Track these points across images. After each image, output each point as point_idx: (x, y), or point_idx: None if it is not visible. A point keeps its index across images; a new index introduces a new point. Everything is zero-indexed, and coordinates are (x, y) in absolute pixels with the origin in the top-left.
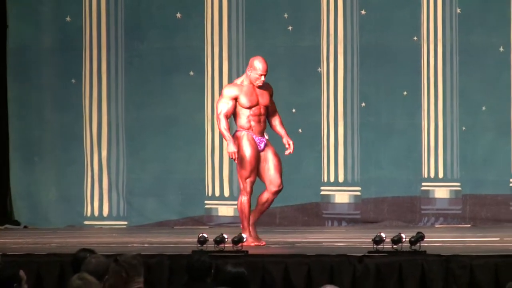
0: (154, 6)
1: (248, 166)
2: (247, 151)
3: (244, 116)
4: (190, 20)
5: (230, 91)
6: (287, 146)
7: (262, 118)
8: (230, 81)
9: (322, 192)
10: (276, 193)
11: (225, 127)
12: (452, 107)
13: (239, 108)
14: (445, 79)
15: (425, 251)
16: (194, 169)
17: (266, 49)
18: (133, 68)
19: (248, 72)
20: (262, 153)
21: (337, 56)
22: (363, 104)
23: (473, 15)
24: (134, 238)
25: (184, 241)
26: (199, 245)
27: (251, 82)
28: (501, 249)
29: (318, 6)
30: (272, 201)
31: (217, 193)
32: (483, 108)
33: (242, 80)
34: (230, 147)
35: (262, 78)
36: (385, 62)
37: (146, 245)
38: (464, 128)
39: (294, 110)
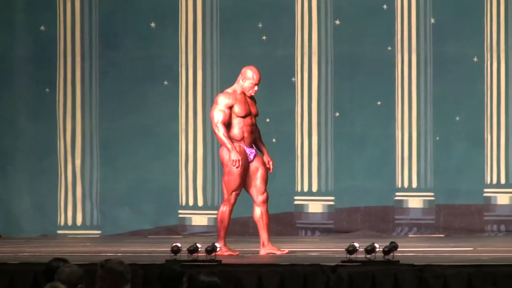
0: (129, 15)
1: (237, 180)
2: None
3: (237, 126)
4: (165, 30)
5: (226, 100)
6: (267, 165)
7: (253, 128)
8: (204, 90)
9: (296, 202)
10: (264, 202)
11: (226, 135)
12: (426, 117)
13: (232, 117)
14: (419, 89)
15: (398, 261)
16: (168, 179)
17: (240, 58)
18: (108, 77)
19: (241, 81)
20: (250, 164)
21: (312, 66)
22: (337, 114)
23: (447, 25)
24: (107, 247)
25: (157, 250)
26: (172, 254)
27: (242, 92)
28: (474, 259)
29: (292, 16)
30: (267, 210)
31: (190, 203)
32: (457, 118)
33: (234, 89)
34: (234, 155)
35: (256, 87)
36: (359, 72)
37: (119, 254)
38: (438, 138)
39: (268, 120)
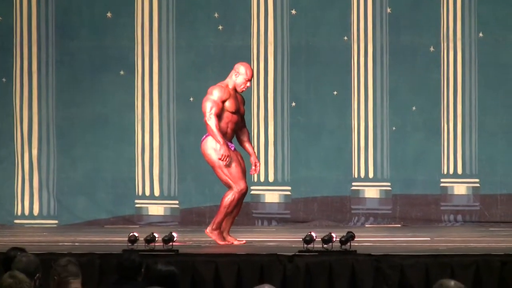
0: (85, 5)
1: (237, 167)
2: (233, 156)
3: (224, 121)
4: (121, 19)
5: (221, 93)
6: (253, 166)
7: (237, 127)
8: (160, 80)
9: (252, 192)
10: (244, 194)
11: (218, 127)
12: (382, 107)
13: (222, 112)
14: (375, 79)
15: (355, 251)
16: (125, 168)
17: (196, 48)
18: (64, 66)
19: (234, 77)
20: None
21: (268, 55)
22: (293, 104)
23: (404, 15)
24: (64, 237)
25: (114, 240)
26: (129, 244)
27: (234, 88)
28: (431, 249)
29: (248, 5)
30: (242, 203)
31: (147, 192)
32: (413, 108)
33: (226, 84)
34: (224, 150)
35: (248, 83)
36: (315, 62)
37: (76, 244)
38: (394, 128)
39: None
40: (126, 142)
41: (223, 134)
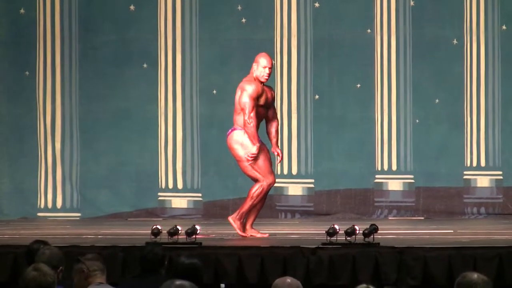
0: None
1: (266, 160)
2: (260, 150)
3: (255, 117)
4: (143, 12)
5: (255, 87)
6: (276, 155)
7: (265, 119)
8: (183, 74)
9: (276, 184)
10: (271, 188)
11: (256, 130)
12: (405, 99)
13: (256, 108)
14: (398, 71)
15: (378, 243)
16: (147, 161)
17: (219, 41)
18: (87, 60)
19: (255, 70)
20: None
21: (291, 48)
22: (317, 97)
23: (427, 8)
24: (87, 230)
25: (137, 232)
26: (152, 236)
27: (259, 81)
28: (454, 241)
29: None
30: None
31: (170, 185)
32: (436, 100)
33: (253, 78)
34: (255, 150)
35: (267, 70)
36: (339, 55)
37: (99, 236)
38: (417, 120)
39: None
40: (149, 135)
41: None
